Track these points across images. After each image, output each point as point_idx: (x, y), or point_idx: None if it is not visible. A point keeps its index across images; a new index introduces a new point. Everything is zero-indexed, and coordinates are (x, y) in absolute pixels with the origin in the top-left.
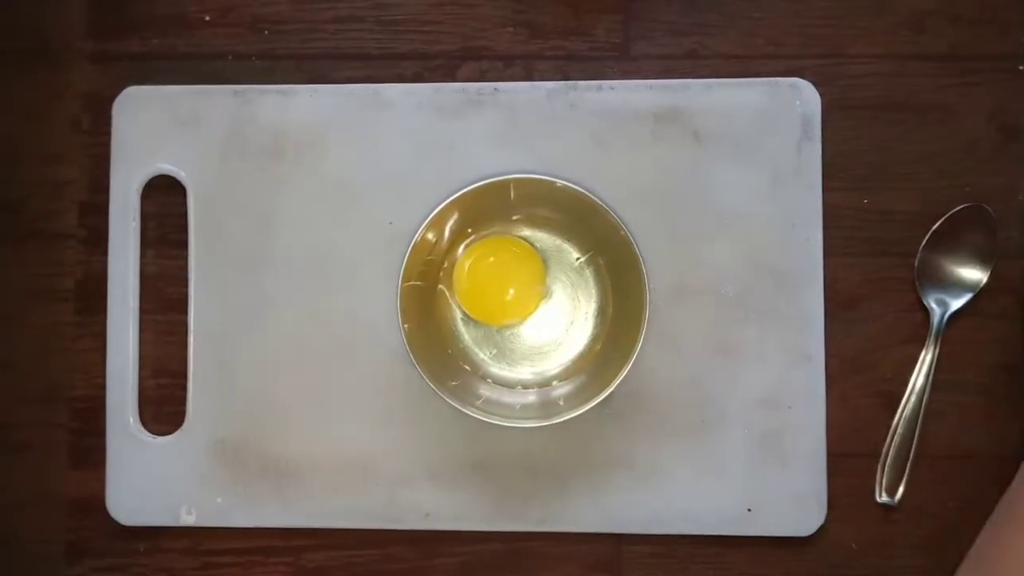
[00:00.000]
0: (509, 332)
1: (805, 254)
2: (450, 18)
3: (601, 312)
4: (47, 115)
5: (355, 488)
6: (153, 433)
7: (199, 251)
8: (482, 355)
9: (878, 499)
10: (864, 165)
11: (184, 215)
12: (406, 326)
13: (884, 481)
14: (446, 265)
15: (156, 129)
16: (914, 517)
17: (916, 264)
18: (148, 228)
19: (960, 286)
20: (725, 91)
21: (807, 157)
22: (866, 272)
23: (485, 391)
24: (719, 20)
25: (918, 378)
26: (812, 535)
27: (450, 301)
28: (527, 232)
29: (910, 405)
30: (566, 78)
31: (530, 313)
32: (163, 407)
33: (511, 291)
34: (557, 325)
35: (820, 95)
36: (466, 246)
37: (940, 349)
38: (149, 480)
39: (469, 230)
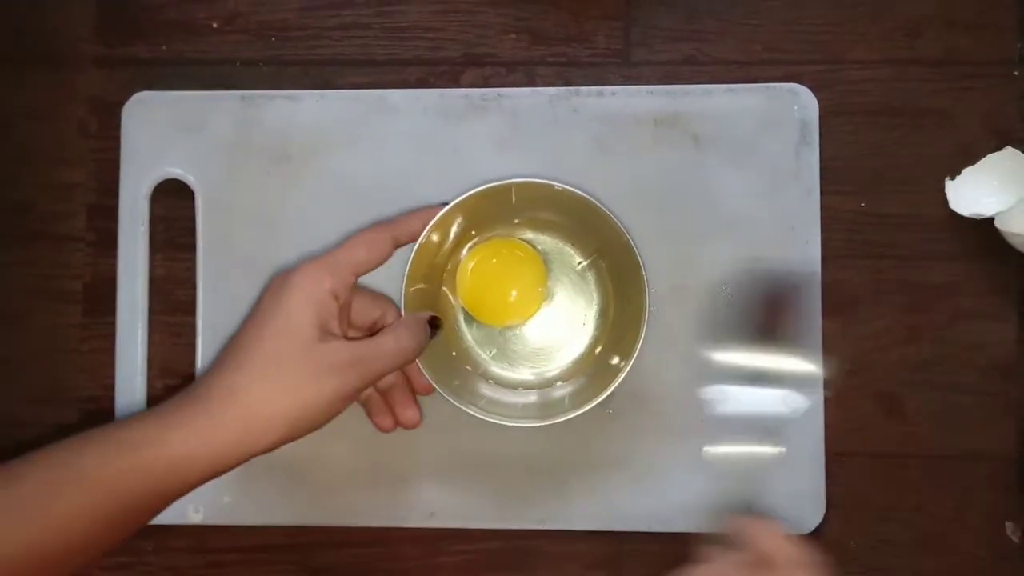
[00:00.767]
0: (511, 333)
1: (804, 256)
2: (454, 25)
3: (602, 315)
4: (55, 119)
5: (361, 487)
6: None
7: (207, 254)
8: (484, 356)
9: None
10: (861, 169)
11: (192, 218)
12: None
13: None
14: (449, 267)
15: (164, 134)
16: (912, 517)
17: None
18: (156, 231)
19: None
20: (724, 96)
21: (805, 161)
22: (864, 274)
23: (487, 391)
24: (718, 27)
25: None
26: (810, 534)
27: (453, 302)
28: (530, 235)
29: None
30: (567, 84)
31: (532, 314)
32: None
33: (514, 292)
34: (559, 327)
35: (818, 100)
36: (469, 248)
37: (939, 349)
38: None
39: (473, 232)
